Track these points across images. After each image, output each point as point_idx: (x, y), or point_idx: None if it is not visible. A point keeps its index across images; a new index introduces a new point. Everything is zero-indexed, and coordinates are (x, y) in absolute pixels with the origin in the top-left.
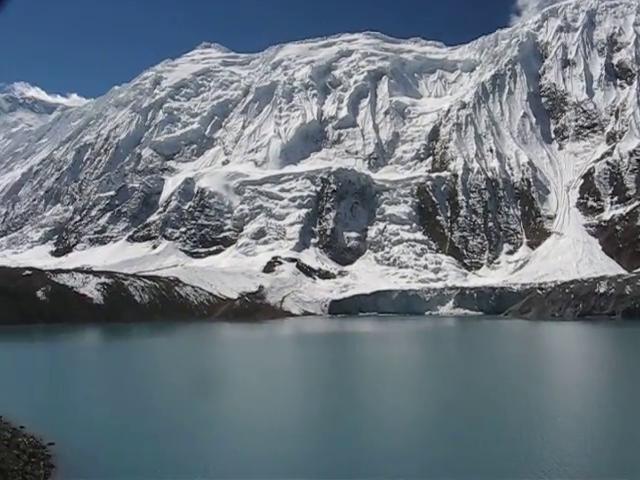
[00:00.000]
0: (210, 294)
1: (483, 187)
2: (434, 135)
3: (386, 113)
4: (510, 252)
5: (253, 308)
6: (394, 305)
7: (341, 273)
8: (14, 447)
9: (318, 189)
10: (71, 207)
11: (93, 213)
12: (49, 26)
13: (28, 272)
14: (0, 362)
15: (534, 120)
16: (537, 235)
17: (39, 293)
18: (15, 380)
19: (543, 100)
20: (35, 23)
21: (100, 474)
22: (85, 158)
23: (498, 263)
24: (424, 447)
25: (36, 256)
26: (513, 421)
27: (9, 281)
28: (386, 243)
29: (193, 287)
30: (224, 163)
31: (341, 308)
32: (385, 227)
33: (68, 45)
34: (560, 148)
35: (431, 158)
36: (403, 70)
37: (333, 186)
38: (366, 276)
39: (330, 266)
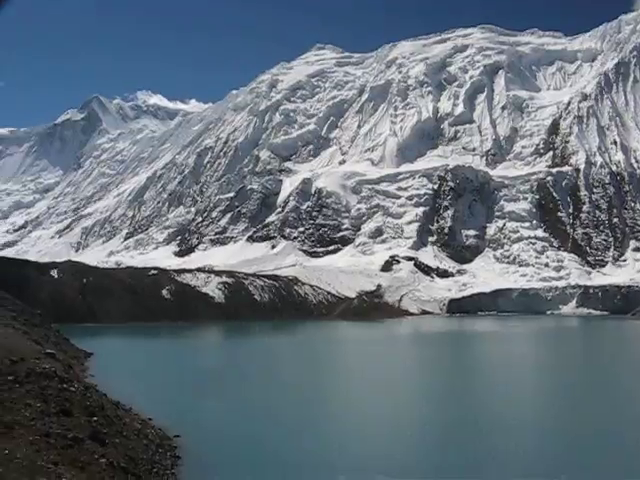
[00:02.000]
0: (328, 293)
1: (607, 181)
2: (554, 129)
3: (503, 108)
4: (637, 249)
5: (371, 307)
6: (514, 304)
7: (459, 272)
8: (143, 437)
9: (435, 187)
10: (193, 209)
11: (214, 214)
12: (165, 36)
13: (154, 272)
14: (130, 358)
15: None
16: None
17: (164, 292)
18: (144, 375)
19: None
20: (152, 34)
21: (224, 466)
22: (205, 161)
23: (624, 261)
24: (549, 448)
25: (161, 256)
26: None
27: (136, 280)
28: (505, 241)
29: (311, 286)
30: (341, 163)
31: (460, 307)
32: (504, 224)
33: (186, 53)
34: None
35: (551, 153)
36: (520, 63)
37: (450, 184)
38: (485, 274)
39: (448, 264)
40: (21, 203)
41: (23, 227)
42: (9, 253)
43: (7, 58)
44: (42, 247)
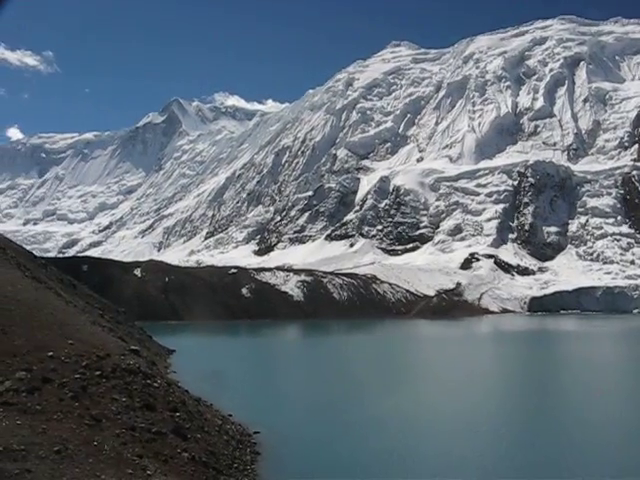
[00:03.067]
0: (407, 291)
1: None
2: (639, 121)
3: (585, 101)
4: None
5: (450, 305)
6: (598, 303)
7: (541, 269)
8: (224, 433)
9: (515, 183)
10: (271, 208)
11: (292, 213)
12: (241, 37)
13: (234, 271)
14: (210, 355)
15: None
16: None
17: (244, 290)
18: (225, 371)
19: None
20: (228, 35)
21: (303, 463)
22: (283, 161)
23: None
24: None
25: (240, 255)
26: None
27: (217, 279)
28: (589, 237)
29: (390, 284)
30: (418, 160)
31: (541, 306)
32: (587, 221)
33: (262, 53)
34: None
35: (636, 146)
36: (603, 54)
37: (531, 179)
38: (567, 272)
39: (529, 262)
40: (106, 204)
41: (108, 227)
42: (95, 253)
43: (91, 67)
44: (126, 247)
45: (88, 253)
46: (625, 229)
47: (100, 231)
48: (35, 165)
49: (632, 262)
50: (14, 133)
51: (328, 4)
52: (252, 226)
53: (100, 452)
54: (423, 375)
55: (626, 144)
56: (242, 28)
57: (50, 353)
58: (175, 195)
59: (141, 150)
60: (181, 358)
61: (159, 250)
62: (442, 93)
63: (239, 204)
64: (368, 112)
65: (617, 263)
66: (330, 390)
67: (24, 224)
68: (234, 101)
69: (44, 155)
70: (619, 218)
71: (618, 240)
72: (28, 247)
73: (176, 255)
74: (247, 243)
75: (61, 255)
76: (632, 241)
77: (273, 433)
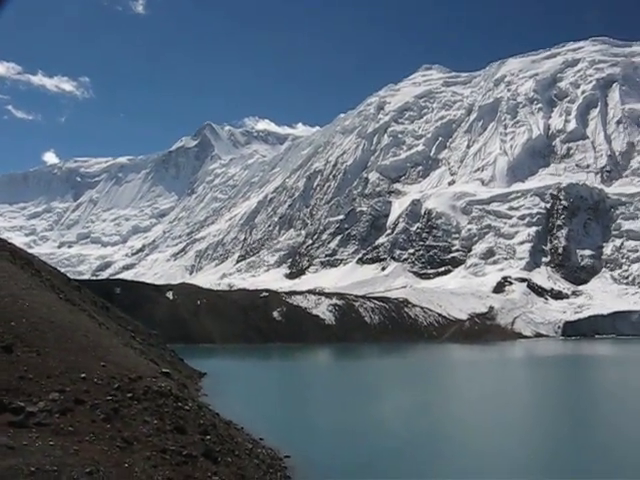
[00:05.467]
0: (439, 315)
1: None
2: None
3: (619, 122)
4: None
5: (483, 329)
6: (634, 327)
7: (575, 293)
8: (254, 457)
9: (548, 206)
10: (303, 232)
11: (324, 237)
12: (270, 61)
13: (265, 294)
14: (242, 378)
15: None
16: None
17: (275, 314)
18: (256, 395)
19: None
20: (256, 59)
21: None
22: (315, 184)
23: None
24: None
25: (272, 278)
26: None
27: (249, 302)
28: (624, 260)
29: (422, 308)
30: (450, 183)
31: (575, 330)
32: (622, 243)
33: (292, 77)
34: None
35: None
36: (636, 74)
37: (564, 202)
38: (602, 296)
39: (563, 286)
40: (139, 227)
41: (141, 250)
42: (128, 275)
43: (126, 92)
44: (158, 270)
45: (121, 276)
46: None
47: (133, 254)
48: (70, 189)
49: None
50: (50, 157)
51: (359, 28)
52: (283, 250)
53: (131, 474)
54: (457, 398)
55: None
56: (272, 50)
57: (83, 375)
58: (207, 219)
59: (174, 174)
60: (212, 381)
61: (191, 273)
62: (473, 116)
63: (271, 227)
64: (399, 135)
65: None
66: (362, 415)
67: (59, 247)
68: (265, 125)
69: (79, 179)
70: None
71: None
72: (62, 270)
73: (208, 278)
74: (279, 267)
75: (94, 278)
76: None
77: (304, 457)
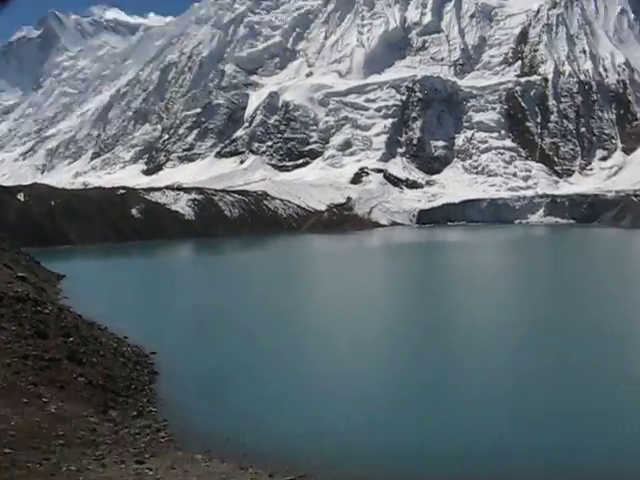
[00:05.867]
0: (298, 207)
1: (575, 91)
2: (523, 38)
3: (472, 16)
4: (604, 158)
5: (341, 220)
6: (483, 214)
7: (429, 183)
8: (120, 355)
9: (403, 98)
10: (159, 126)
11: (180, 131)
12: None
13: (122, 191)
14: (102, 279)
15: (632, 17)
16: (633, 140)
17: (133, 211)
18: (117, 295)
19: None
20: None
21: (199, 380)
22: (170, 77)
23: (591, 170)
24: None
25: (129, 175)
26: None
27: (105, 201)
28: (474, 151)
29: (282, 200)
30: (308, 75)
31: (429, 218)
32: (473, 135)
33: None
34: None
35: (520, 62)
36: None
37: (419, 94)
38: (454, 185)
39: (417, 176)
40: None
41: None
42: None
43: None
44: (6, 170)
45: None
46: (508, 143)
47: None
48: None
49: (514, 175)
50: None
51: None
52: (139, 145)
53: None
54: (317, 289)
55: (510, 60)
56: None
57: None
58: (57, 115)
59: (16, 67)
60: (72, 283)
61: (42, 173)
62: (331, 7)
63: (125, 123)
64: (256, 26)
65: (501, 176)
66: (224, 310)
67: None
68: (114, 14)
69: None
70: (502, 132)
71: (502, 154)
72: None
73: (61, 177)
74: (135, 163)
75: None
76: (514, 154)
77: (170, 353)
